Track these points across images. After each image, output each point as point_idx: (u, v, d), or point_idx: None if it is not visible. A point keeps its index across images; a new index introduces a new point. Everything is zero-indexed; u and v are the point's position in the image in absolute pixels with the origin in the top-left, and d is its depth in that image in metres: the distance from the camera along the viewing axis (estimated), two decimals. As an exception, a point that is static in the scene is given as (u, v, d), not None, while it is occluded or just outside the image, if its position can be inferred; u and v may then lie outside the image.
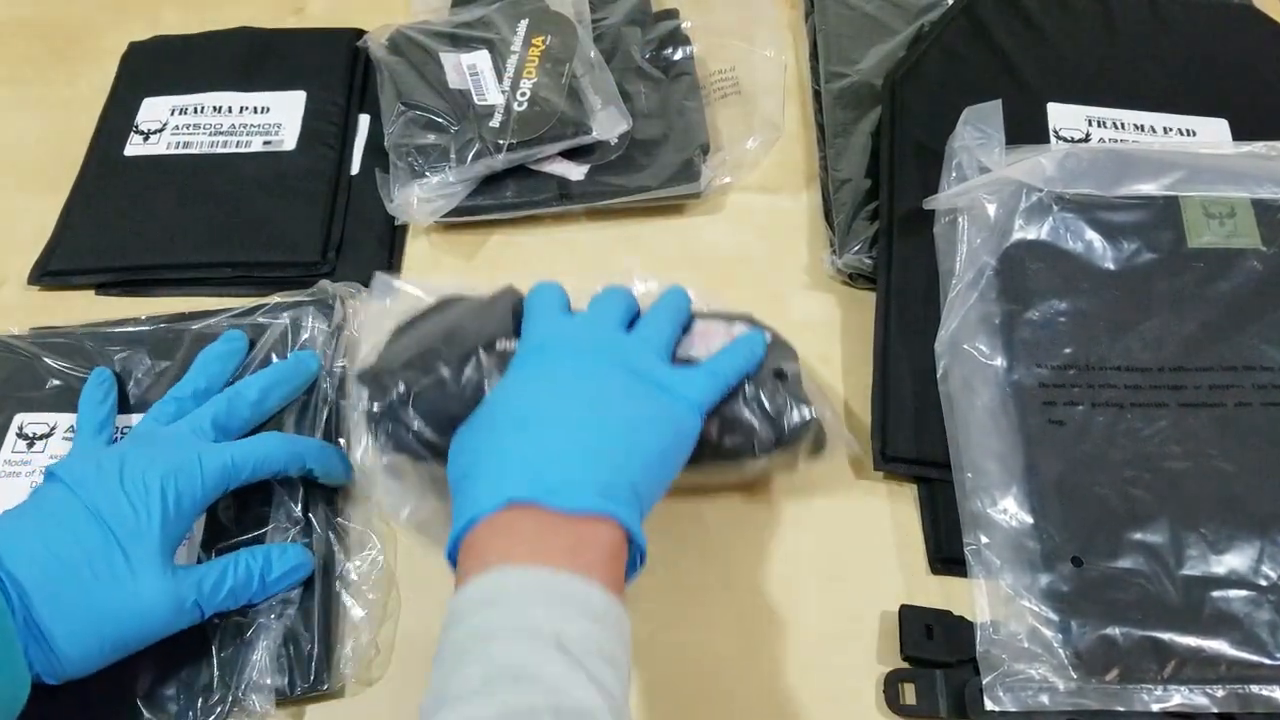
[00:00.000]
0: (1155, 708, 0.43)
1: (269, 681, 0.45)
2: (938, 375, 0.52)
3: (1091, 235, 0.54)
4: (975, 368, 0.52)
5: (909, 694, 0.46)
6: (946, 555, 0.49)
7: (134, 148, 0.66)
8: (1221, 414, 0.49)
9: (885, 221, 0.59)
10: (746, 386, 0.46)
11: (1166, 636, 0.44)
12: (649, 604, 0.48)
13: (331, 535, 0.50)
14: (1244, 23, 0.69)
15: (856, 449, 0.52)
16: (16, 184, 0.67)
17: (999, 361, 0.52)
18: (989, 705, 0.43)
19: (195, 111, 0.67)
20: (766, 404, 0.46)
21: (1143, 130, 0.62)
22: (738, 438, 0.46)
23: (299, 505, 0.49)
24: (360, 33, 0.72)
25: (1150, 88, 0.64)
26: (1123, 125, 0.62)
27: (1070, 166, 0.55)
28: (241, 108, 0.67)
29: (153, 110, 0.67)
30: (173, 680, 0.45)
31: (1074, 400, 0.50)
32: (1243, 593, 0.44)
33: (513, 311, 0.49)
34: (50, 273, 0.61)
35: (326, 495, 0.51)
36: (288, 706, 0.46)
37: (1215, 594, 0.44)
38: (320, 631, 0.47)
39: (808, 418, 0.47)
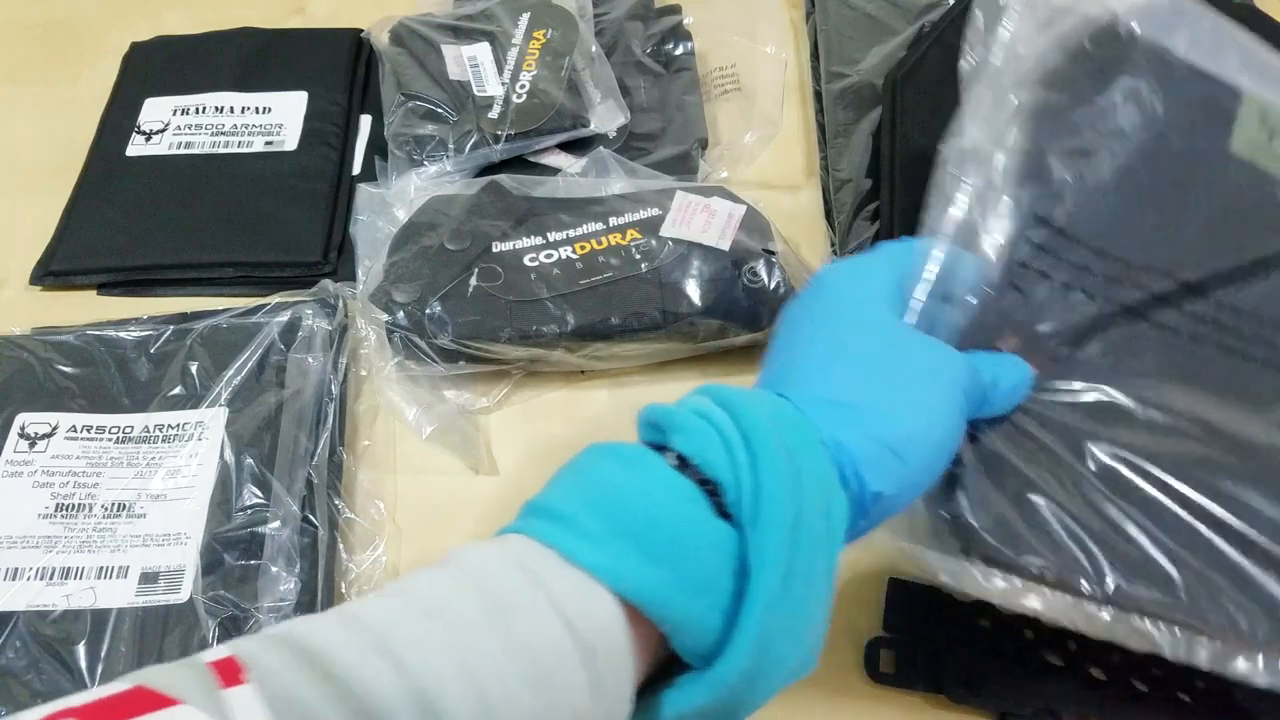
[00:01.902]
0: (1036, 606, 0.38)
1: (270, 681, 0.45)
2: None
3: (1137, 84, 0.45)
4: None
5: (888, 662, 0.46)
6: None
7: (136, 148, 0.66)
8: (1191, 349, 0.43)
9: (885, 221, 0.59)
10: (734, 270, 0.53)
11: (1067, 542, 0.38)
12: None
13: (335, 533, 0.50)
14: (1245, 22, 0.68)
15: None
16: (18, 184, 0.67)
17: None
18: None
19: (197, 112, 0.67)
20: (763, 284, 0.53)
21: (1144, 129, 0.62)
22: (738, 319, 0.53)
23: (298, 502, 0.50)
24: (361, 33, 0.72)
25: (1152, 87, 0.64)
26: (1124, 124, 0.62)
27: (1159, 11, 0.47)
28: (243, 108, 0.67)
29: (155, 110, 0.67)
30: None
31: (1045, 270, 0.43)
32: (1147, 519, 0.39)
33: (506, 205, 0.55)
34: (52, 273, 0.61)
35: (328, 491, 0.51)
36: (289, 706, 0.46)
37: (1129, 515, 0.39)
38: (321, 631, 0.47)
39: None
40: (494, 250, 0.54)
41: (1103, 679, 0.45)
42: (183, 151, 0.65)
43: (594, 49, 0.66)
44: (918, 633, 0.47)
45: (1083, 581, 0.37)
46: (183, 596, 0.47)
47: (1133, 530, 0.38)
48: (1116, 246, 0.43)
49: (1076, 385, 0.41)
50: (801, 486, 0.29)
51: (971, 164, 0.43)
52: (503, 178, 0.58)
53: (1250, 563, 0.39)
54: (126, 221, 0.63)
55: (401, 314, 0.52)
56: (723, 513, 0.29)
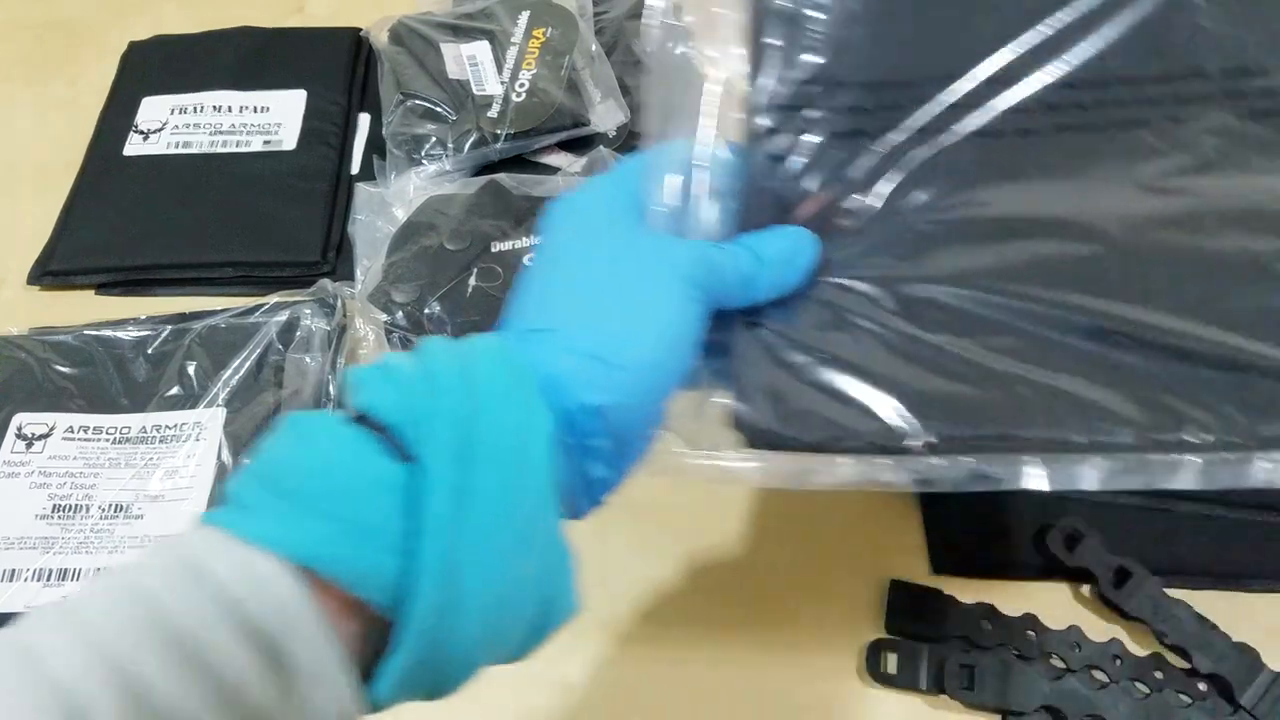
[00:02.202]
0: (846, 477, 0.34)
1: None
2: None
3: None
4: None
5: (890, 663, 0.46)
6: (952, 556, 0.49)
7: (134, 147, 0.66)
8: (1018, 145, 0.36)
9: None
10: None
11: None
12: (639, 569, 0.48)
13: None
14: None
15: None
16: (16, 183, 0.67)
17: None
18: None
19: (195, 111, 0.67)
20: None
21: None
22: None
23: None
24: (360, 32, 0.72)
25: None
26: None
27: None
28: (241, 107, 0.67)
29: (153, 109, 0.67)
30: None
31: (811, 127, 0.37)
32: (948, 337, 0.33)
33: (505, 205, 0.55)
34: (50, 272, 0.61)
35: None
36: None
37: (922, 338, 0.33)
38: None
39: None
40: (493, 250, 0.54)
41: (1105, 681, 0.45)
42: (181, 151, 0.65)
43: (594, 48, 0.66)
44: (920, 634, 0.47)
45: (891, 438, 0.32)
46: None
47: (952, 364, 0.32)
48: (892, 70, 0.38)
49: (878, 233, 0.35)
50: (478, 408, 0.27)
51: (692, 54, 0.38)
52: (502, 177, 0.58)
53: (1113, 353, 0.32)
54: (124, 221, 0.62)
55: (400, 314, 0.52)
56: (406, 455, 0.27)
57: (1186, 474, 0.32)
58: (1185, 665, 0.45)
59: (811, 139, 0.36)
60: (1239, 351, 0.32)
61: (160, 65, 0.70)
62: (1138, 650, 0.46)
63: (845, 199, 0.36)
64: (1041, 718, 0.44)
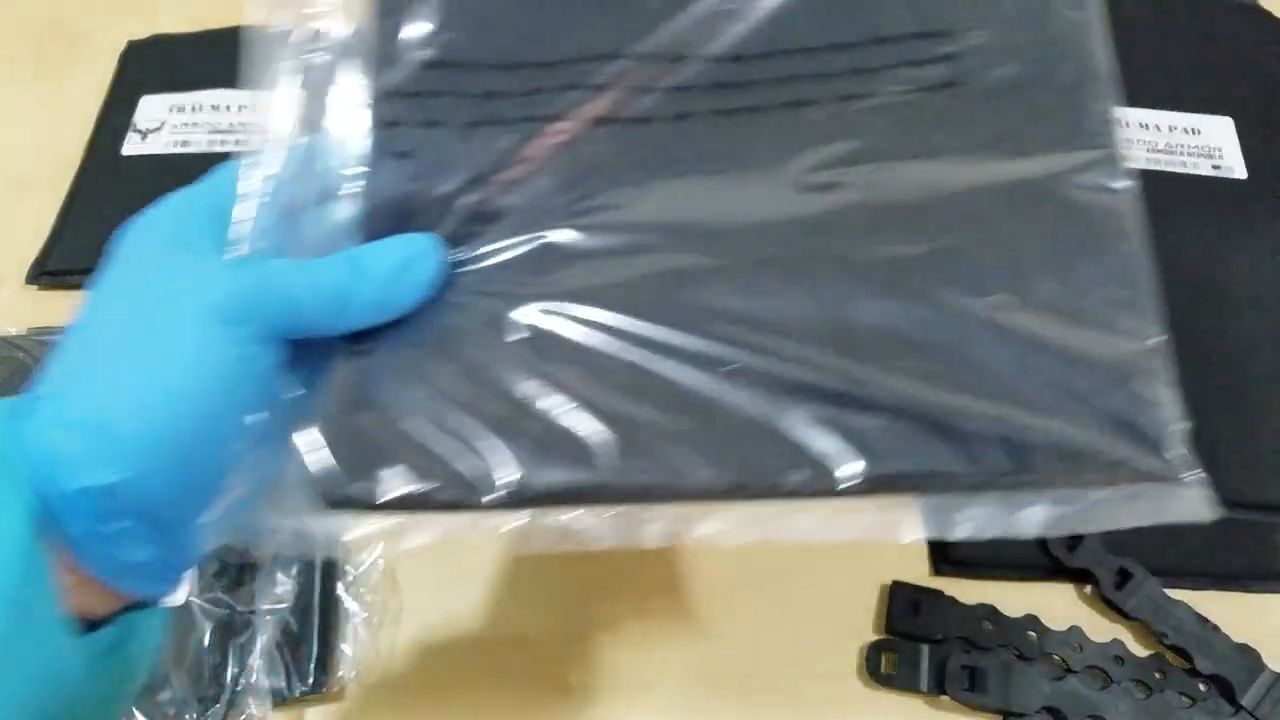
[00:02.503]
0: (424, 539, 0.30)
1: (266, 684, 0.45)
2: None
3: None
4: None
5: (890, 664, 0.46)
6: (952, 557, 0.49)
7: (132, 146, 0.65)
8: (672, 133, 0.31)
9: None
10: None
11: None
12: (637, 570, 0.48)
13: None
14: (1249, 22, 0.68)
15: None
16: (14, 183, 0.66)
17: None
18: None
19: (193, 110, 0.67)
20: None
21: (1147, 129, 0.62)
22: None
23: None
24: (359, 30, 0.72)
25: (1155, 86, 0.64)
26: (1128, 124, 0.62)
27: None
28: (240, 106, 0.67)
29: (151, 109, 0.67)
30: (167, 682, 0.44)
31: (432, 119, 0.32)
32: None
33: None
34: (49, 272, 0.61)
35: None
36: (285, 709, 0.46)
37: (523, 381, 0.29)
38: (319, 633, 0.47)
39: None
40: None
41: (1107, 681, 0.45)
42: (179, 150, 0.65)
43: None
44: (920, 634, 0.46)
45: (471, 493, 0.27)
46: (179, 599, 0.47)
47: (553, 403, 0.28)
48: (533, 48, 0.32)
49: (510, 241, 0.30)
50: None
51: (287, 41, 0.31)
52: None
53: (719, 386, 0.28)
54: (123, 221, 0.62)
55: None
56: None
57: (794, 525, 0.28)
58: (1186, 666, 0.45)
59: (440, 131, 0.31)
60: (849, 380, 0.27)
61: (158, 65, 0.70)
62: (1139, 651, 0.46)
63: (477, 201, 0.31)
64: (1043, 718, 0.44)
